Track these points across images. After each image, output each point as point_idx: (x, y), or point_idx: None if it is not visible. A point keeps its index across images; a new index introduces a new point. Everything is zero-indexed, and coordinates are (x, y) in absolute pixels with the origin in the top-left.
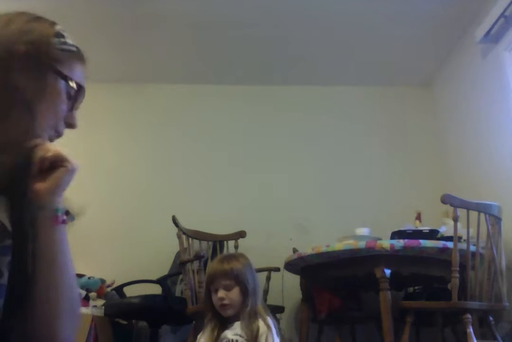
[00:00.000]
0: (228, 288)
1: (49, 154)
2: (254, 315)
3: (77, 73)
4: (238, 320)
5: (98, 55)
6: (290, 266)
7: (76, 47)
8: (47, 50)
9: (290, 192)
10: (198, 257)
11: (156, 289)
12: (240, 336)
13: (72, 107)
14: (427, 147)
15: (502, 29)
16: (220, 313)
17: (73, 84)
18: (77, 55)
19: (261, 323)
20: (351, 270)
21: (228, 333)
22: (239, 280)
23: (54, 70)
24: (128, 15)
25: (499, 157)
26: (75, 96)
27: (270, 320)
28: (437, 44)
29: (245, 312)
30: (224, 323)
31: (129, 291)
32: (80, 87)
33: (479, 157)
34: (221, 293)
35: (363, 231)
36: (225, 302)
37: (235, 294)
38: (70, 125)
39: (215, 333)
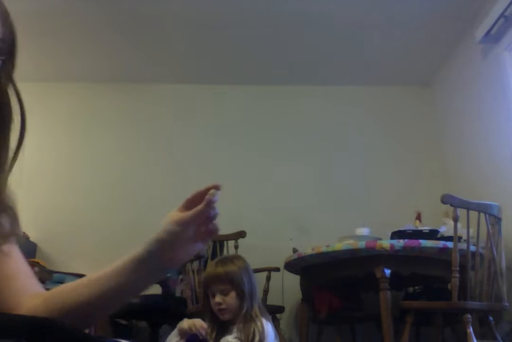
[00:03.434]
0: (224, 293)
1: None
2: (250, 318)
3: None
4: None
5: (98, 55)
6: (290, 266)
7: None
8: None
9: (290, 191)
10: (198, 257)
11: (156, 289)
12: (239, 339)
13: None
14: (427, 147)
15: (502, 29)
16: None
17: None
18: None
19: (257, 327)
20: (351, 270)
21: (229, 337)
22: (235, 284)
23: None
24: (129, 15)
25: (499, 157)
26: None
27: (267, 323)
28: (437, 44)
29: (240, 315)
30: (225, 326)
31: None
32: None
33: (479, 157)
34: (218, 298)
35: (363, 231)
36: (222, 306)
37: (231, 298)
38: None
39: (213, 336)
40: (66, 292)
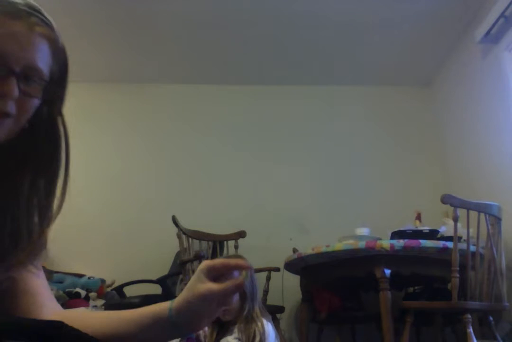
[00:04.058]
0: None
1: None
2: (251, 319)
3: None
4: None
5: (98, 55)
6: (290, 266)
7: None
8: None
9: (290, 192)
10: (198, 257)
11: (156, 289)
12: (240, 339)
13: None
14: (427, 147)
15: (502, 29)
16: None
17: None
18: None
19: (258, 327)
20: (351, 270)
21: (229, 337)
22: None
23: None
24: (129, 15)
25: (499, 157)
26: None
27: (267, 324)
28: (437, 44)
29: (241, 316)
30: (226, 326)
31: (129, 291)
32: None
33: (479, 157)
34: None
35: (363, 231)
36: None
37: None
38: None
39: (214, 337)
40: (82, 321)
